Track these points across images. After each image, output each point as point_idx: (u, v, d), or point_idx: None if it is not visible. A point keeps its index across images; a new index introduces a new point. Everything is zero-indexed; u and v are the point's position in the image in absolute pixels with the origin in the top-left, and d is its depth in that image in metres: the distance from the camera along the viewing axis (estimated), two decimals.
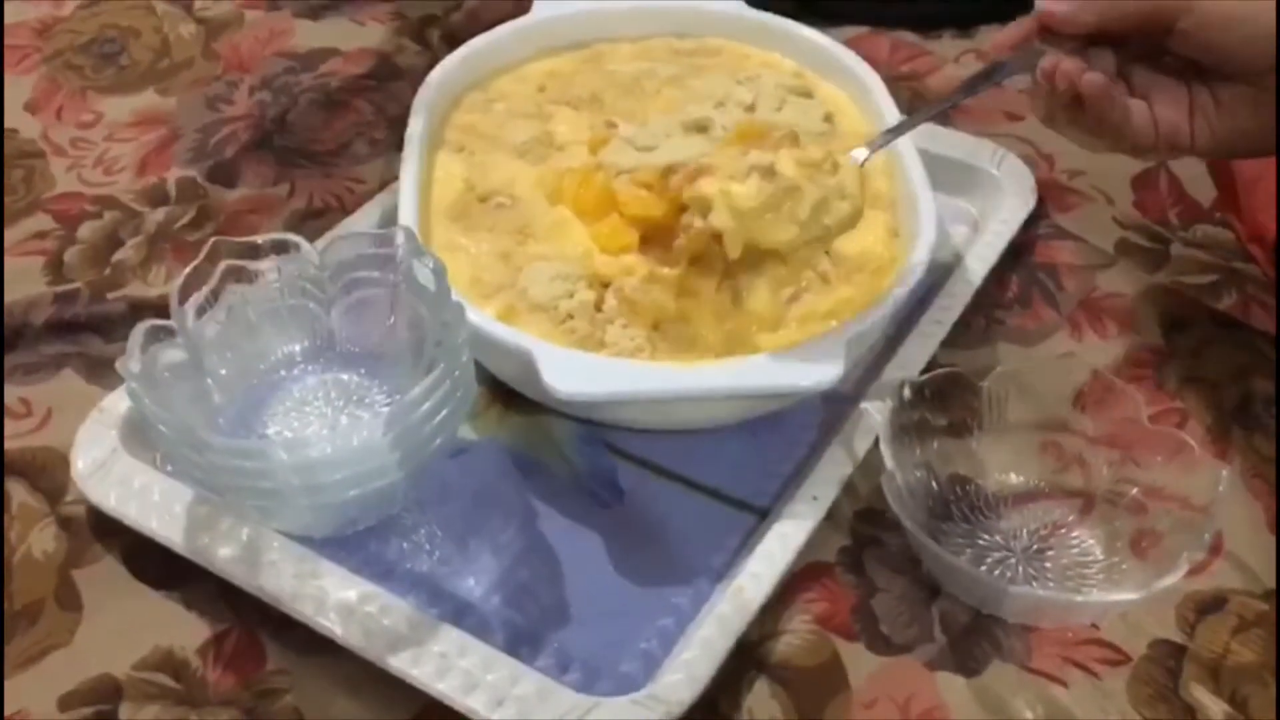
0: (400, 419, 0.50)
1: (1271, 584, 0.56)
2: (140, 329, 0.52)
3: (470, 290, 0.61)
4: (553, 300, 0.60)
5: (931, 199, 0.64)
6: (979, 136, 0.79)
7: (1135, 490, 0.56)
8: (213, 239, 0.56)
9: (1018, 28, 0.58)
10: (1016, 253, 0.73)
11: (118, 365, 0.50)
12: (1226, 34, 0.51)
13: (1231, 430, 0.63)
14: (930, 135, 0.78)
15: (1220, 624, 0.54)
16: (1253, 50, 0.51)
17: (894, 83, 0.77)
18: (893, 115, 0.70)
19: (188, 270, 0.55)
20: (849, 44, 0.76)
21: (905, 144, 0.68)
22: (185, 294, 0.55)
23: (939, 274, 0.69)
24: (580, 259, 0.63)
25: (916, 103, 0.87)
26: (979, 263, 0.70)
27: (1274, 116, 0.53)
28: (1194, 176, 0.79)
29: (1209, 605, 0.55)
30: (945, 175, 0.76)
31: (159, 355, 0.53)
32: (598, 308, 0.61)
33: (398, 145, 0.68)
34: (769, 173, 0.56)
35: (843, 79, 0.75)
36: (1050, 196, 0.78)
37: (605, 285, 0.62)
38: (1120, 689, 0.52)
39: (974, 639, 0.54)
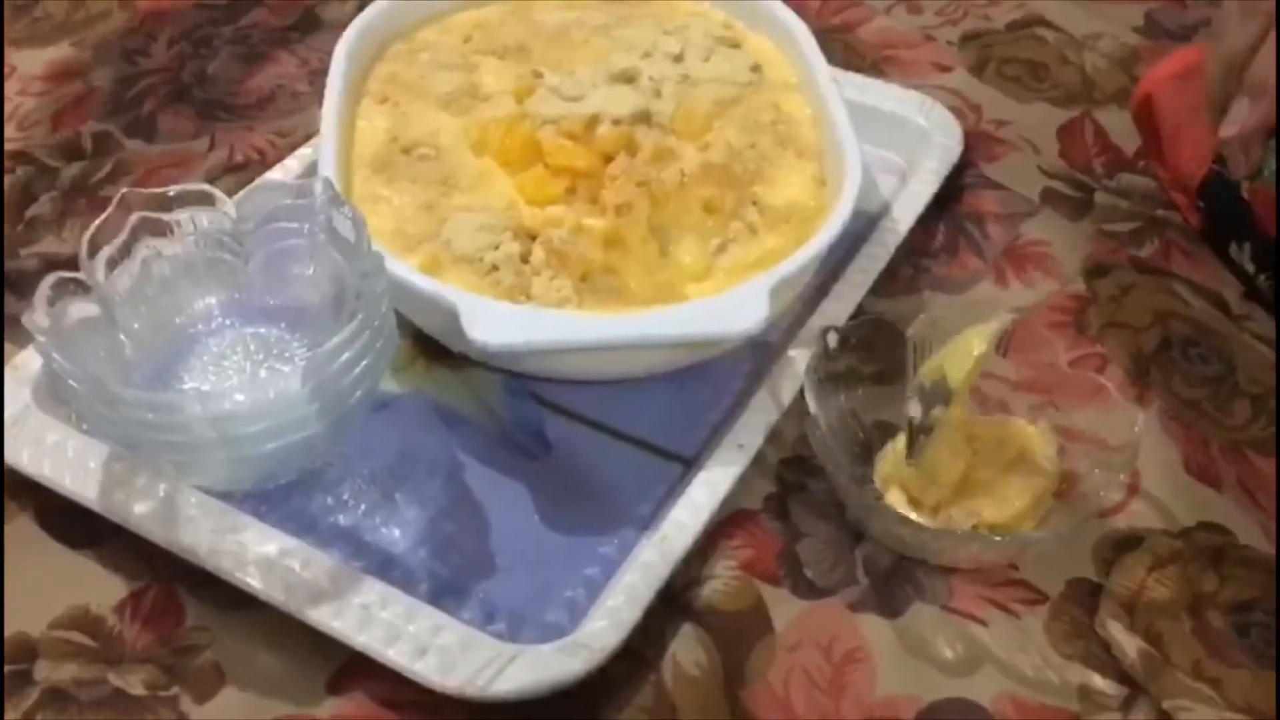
0: (318, 370, 0.49)
1: (1186, 522, 0.57)
2: (47, 282, 0.50)
3: (393, 242, 0.60)
4: (478, 252, 0.60)
5: (858, 149, 0.64)
6: (907, 88, 0.79)
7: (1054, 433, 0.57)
8: (124, 190, 0.55)
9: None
10: (943, 202, 0.73)
11: (24, 319, 0.49)
12: None
13: (1150, 373, 0.64)
14: (859, 86, 0.78)
15: (1136, 562, 0.55)
16: None
17: (825, 34, 0.77)
18: (821, 66, 0.70)
19: (97, 222, 0.54)
20: None
21: (832, 94, 0.67)
22: (95, 246, 0.54)
23: (866, 223, 0.70)
24: (505, 210, 0.62)
25: (848, 55, 0.87)
26: (906, 212, 0.70)
27: None
28: (1118, 126, 0.80)
29: (1126, 544, 0.56)
30: (873, 126, 0.76)
31: (68, 309, 0.52)
32: (524, 259, 0.60)
33: (321, 99, 0.66)
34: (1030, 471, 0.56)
35: (772, 30, 0.75)
36: (977, 146, 0.78)
37: (532, 237, 0.61)
38: (1038, 627, 0.53)
39: (896, 581, 0.54)
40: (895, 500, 0.56)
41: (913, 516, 0.54)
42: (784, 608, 0.53)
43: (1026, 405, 0.58)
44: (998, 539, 0.54)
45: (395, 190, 0.63)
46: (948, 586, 0.54)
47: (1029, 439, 0.57)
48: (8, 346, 0.63)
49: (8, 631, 0.52)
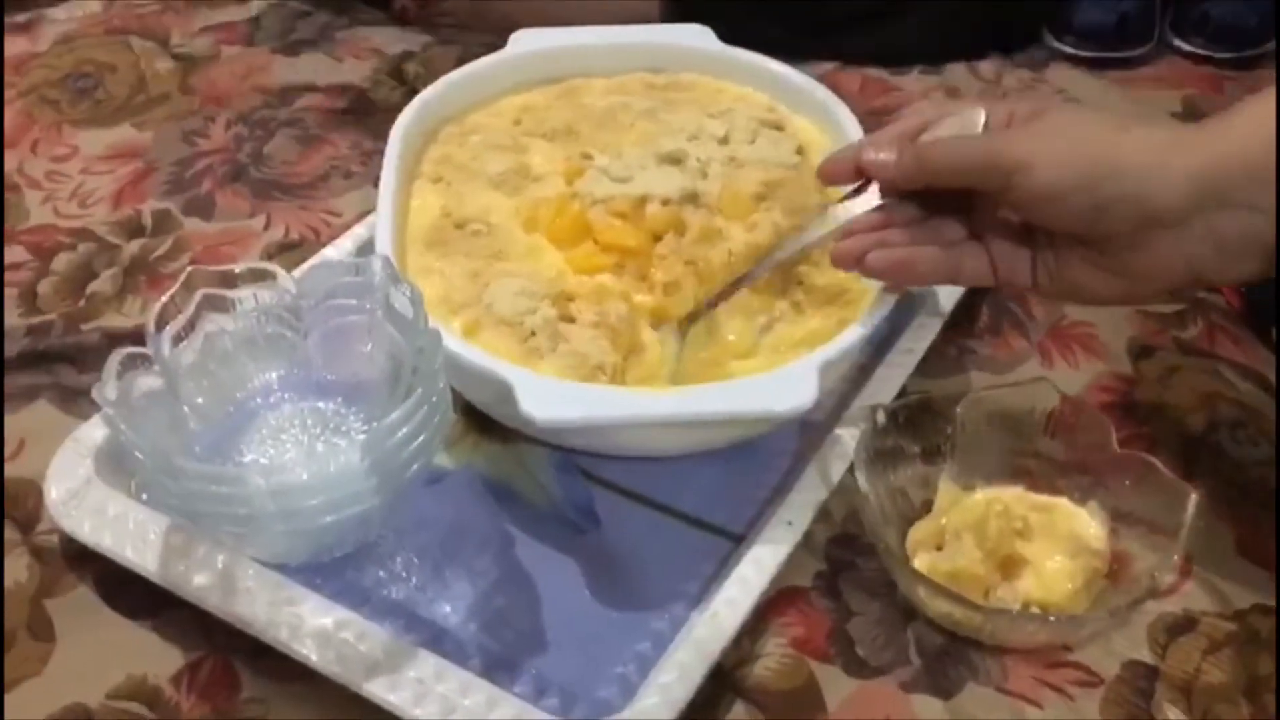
0: (377, 444, 0.50)
1: (1240, 605, 0.57)
2: (116, 356, 0.52)
3: (438, 308, 0.62)
4: (517, 316, 0.61)
5: None
6: None
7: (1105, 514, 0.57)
8: (189, 268, 0.56)
9: (842, 161, 0.58)
10: None
11: (93, 391, 0.50)
12: (1057, 204, 0.50)
13: (1198, 455, 0.64)
14: None
15: (1191, 645, 0.55)
16: (1085, 221, 0.50)
17: (865, 117, 0.78)
18: None
19: (164, 298, 0.56)
20: (821, 79, 0.77)
21: None
22: (161, 322, 0.55)
23: (911, 304, 0.70)
24: (551, 280, 0.63)
25: None
26: (949, 292, 0.71)
27: (1109, 278, 0.52)
28: None
29: (1179, 627, 0.56)
30: None
31: (134, 383, 0.53)
32: (564, 318, 0.61)
33: (374, 179, 0.68)
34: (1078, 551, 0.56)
35: (814, 113, 0.76)
36: None
37: (570, 299, 0.62)
38: (1093, 709, 0.52)
39: (949, 661, 0.54)
40: (922, 565, 0.56)
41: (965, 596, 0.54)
42: (836, 687, 0.53)
43: (1076, 486, 0.58)
44: (1051, 620, 0.53)
45: (448, 263, 0.65)
46: (1001, 667, 0.54)
47: (1078, 520, 0.57)
48: (71, 419, 0.65)
49: (64, 701, 0.53)
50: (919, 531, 0.58)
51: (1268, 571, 0.58)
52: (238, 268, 0.58)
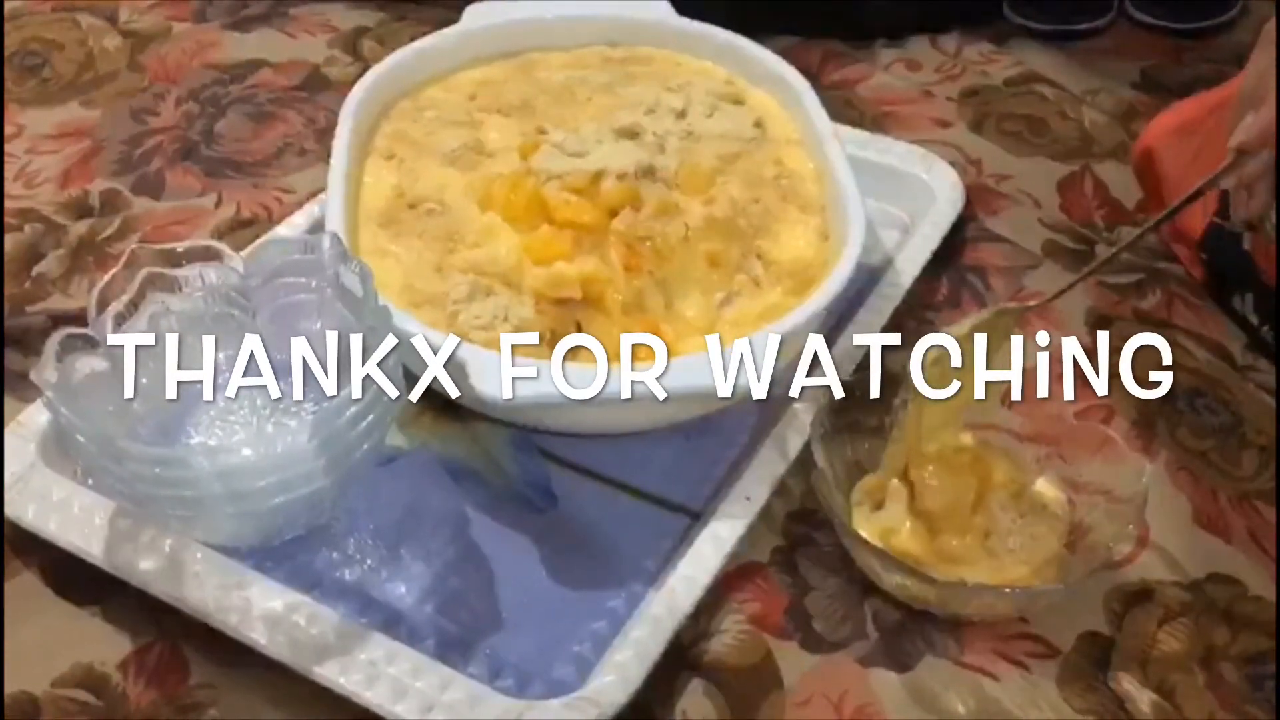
0: (326, 424, 0.49)
1: (1196, 574, 0.57)
2: (56, 338, 0.51)
3: (400, 297, 0.60)
4: (489, 322, 0.60)
5: (861, 203, 0.64)
6: (909, 143, 0.80)
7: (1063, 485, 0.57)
8: (133, 247, 0.55)
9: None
10: (946, 255, 0.74)
11: (32, 375, 0.49)
12: None
13: (1156, 425, 0.64)
14: (860, 142, 0.79)
15: (1147, 615, 0.55)
16: None
17: (825, 90, 0.78)
18: (823, 121, 0.70)
19: (106, 278, 0.54)
20: (781, 53, 0.76)
21: (835, 149, 0.68)
22: (104, 302, 0.54)
23: (870, 277, 0.70)
24: (512, 269, 0.62)
25: (847, 111, 0.88)
26: (909, 265, 0.71)
27: None
28: (1118, 180, 0.81)
29: (1136, 597, 0.56)
30: (876, 181, 0.76)
31: (76, 365, 0.52)
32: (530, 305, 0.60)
33: (328, 156, 0.67)
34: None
35: (773, 86, 0.75)
36: (978, 200, 0.79)
37: (537, 299, 0.61)
38: (1050, 681, 0.52)
39: (906, 635, 0.54)
40: (860, 521, 0.56)
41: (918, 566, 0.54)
42: (793, 662, 0.53)
43: (1034, 457, 0.58)
44: (1007, 591, 0.53)
45: (403, 245, 0.64)
46: (958, 640, 0.54)
47: (1036, 491, 0.57)
48: (14, 403, 0.63)
49: (10, 689, 0.52)
50: (862, 488, 0.58)
51: (1224, 541, 0.58)
52: (181, 246, 0.57)
